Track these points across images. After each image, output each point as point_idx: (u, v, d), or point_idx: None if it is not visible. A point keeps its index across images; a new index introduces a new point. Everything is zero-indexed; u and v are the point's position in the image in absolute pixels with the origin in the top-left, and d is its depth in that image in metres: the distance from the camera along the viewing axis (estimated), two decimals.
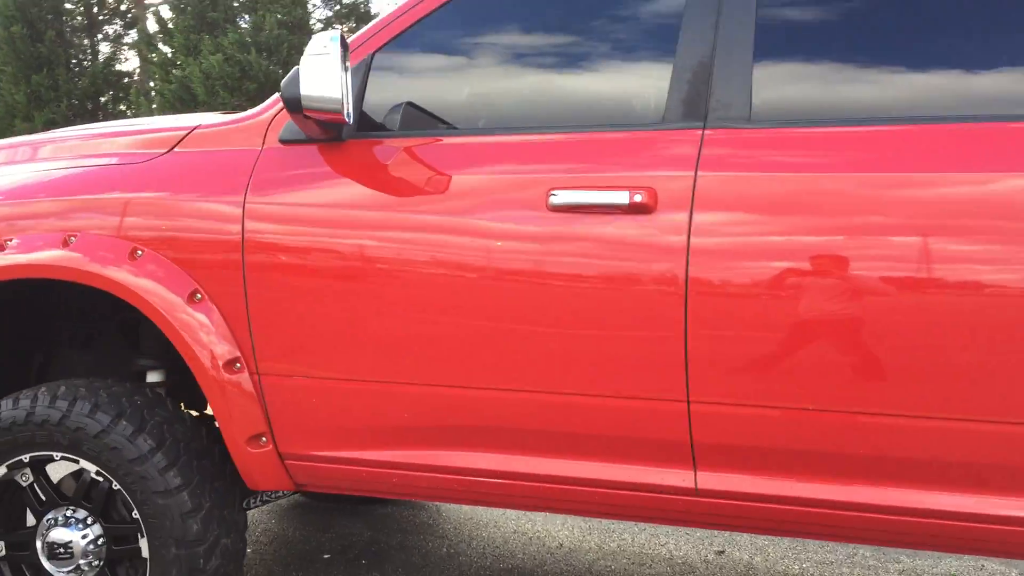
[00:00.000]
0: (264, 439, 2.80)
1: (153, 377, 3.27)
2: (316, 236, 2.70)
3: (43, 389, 2.89)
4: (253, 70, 14.48)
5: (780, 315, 2.36)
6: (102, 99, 18.09)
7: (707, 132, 2.46)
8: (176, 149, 2.90)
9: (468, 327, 2.58)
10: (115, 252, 2.82)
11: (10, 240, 2.91)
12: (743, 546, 4.21)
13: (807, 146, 2.41)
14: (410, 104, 2.80)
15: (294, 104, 2.49)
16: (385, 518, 4.53)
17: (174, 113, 14.77)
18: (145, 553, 2.85)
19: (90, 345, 3.47)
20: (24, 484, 2.96)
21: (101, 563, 2.93)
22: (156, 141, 2.96)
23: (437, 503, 4.61)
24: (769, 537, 4.28)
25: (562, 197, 2.51)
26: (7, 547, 3.00)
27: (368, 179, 2.70)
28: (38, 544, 2.96)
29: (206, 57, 14.59)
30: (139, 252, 2.80)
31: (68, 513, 2.96)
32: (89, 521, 2.93)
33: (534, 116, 2.75)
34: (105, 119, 18.07)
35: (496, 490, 2.66)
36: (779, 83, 2.53)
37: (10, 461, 2.92)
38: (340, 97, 2.46)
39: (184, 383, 3.37)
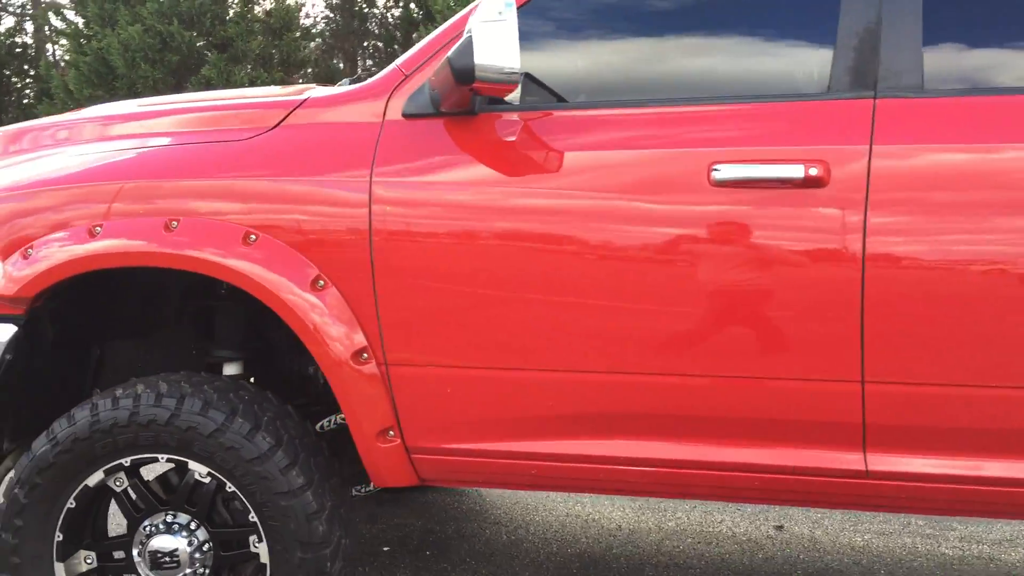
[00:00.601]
0: (392, 433, 2.64)
1: (231, 370, 3.06)
2: (451, 217, 2.54)
3: (142, 386, 2.66)
4: (175, 41, 13.88)
5: (963, 293, 2.31)
6: (6, 72, 17.11)
7: (878, 102, 2.39)
8: (284, 123, 2.69)
9: (622, 311, 2.47)
10: (226, 237, 2.61)
11: (98, 226, 2.66)
12: (799, 520, 4.22)
13: (986, 115, 2.35)
14: (528, 76, 2.66)
15: (466, 75, 2.32)
16: (429, 506, 4.39)
17: (91, 87, 14.08)
18: (265, 558, 2.67)
19: (152, 337, 3.23)
20: (118, 489, 2.73)
21: (207, 571, 2.73)
22: (259, 116, 2.75)
23: (481, 488, 4.48)
24: (824, 510, 4.29)
25: (726, 172, 2.40)
26: (98, 558, 2.77)
27: (505, 155, 2.56)
28: (135, 553, 2.74)
29: (124, 28, 13.93)
30: (252, 237, 2.60)
31: (168, 519, 2.74)
32: (193, 526, 2.72)
33: (685, 86, 2.62)
34: (10, 94, 17.11)
35: (644, 478, 2.57)
36: (952, 49, 2.46)
37: (109, 465, 2.69)
38: (518, 67, 2.31)
39: (263, 375, 3.17)
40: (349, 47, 18.23)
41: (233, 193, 2.64)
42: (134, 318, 3.17)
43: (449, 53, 2.37)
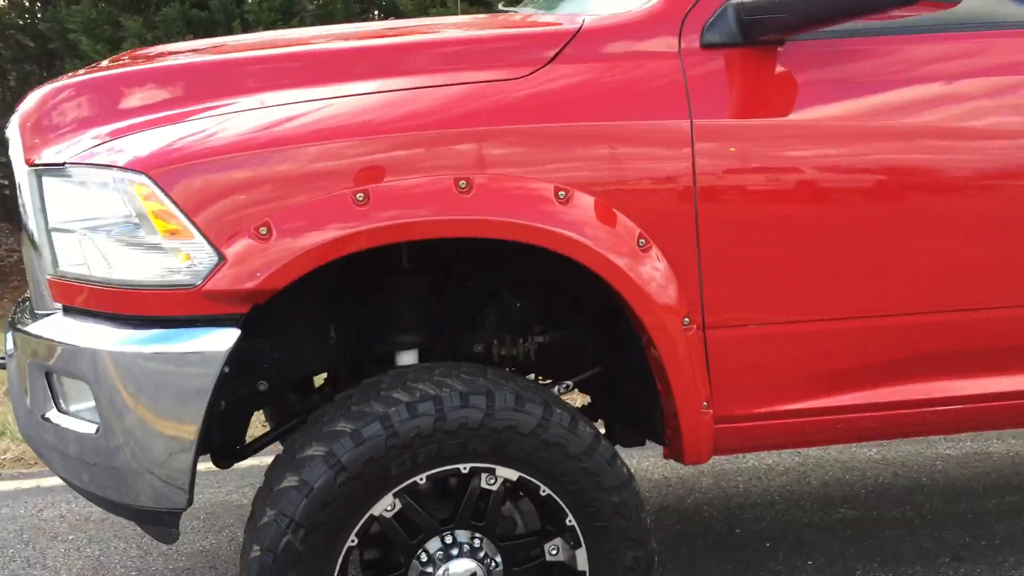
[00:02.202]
0: (706, 404, 2.40)
1: (408, 358, 2.61)
2: (783, 164, 2.33)
3: (429, 387, 2.19)
4: None
5: None
6: None
7: None
8: (562, 57, 2.30)
9: (955, 250, 2.41)
10: (533, 197, 2.20)
11: (362, 193, 2.13)
12: None
13: None
14: None
15: None
16: None
17: None
18: (582, 565, 2.33)
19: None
20: (389, 515, 2.24)
21: None
22: (527, 48, 2.33)
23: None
24: None
25: None
26: None
27: (833, 88, 2.37)
28: None
29: None
30: (562, 194, 2.21)
31: (448, 539, 2.30)
32: (477, 544, 2.31)
33: None
34: None
35: (950, 417, 2.55)
36: None
37: (400, 487, 2.19)
38: None
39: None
40: None
41: (528, 142, 2.22)
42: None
43: None
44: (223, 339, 2.12)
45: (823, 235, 2.34)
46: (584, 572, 2.34)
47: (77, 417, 2.27)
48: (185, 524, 3.55)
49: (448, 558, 2.28)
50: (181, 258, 2.13)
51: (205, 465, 4.03)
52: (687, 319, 2.31)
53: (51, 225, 2.28)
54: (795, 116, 2.34)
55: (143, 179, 2.10)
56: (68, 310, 2.30)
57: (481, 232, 2.17)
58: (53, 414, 2.31)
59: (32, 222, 2.32)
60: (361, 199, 2.11)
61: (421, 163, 2.16)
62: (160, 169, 2.10)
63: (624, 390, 2.64)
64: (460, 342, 2.70)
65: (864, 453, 4.40)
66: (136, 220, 2.13)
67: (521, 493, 2.35)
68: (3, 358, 2.57)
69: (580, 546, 2.32)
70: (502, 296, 2.69)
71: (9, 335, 2.41)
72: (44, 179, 2.28)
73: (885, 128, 2.36)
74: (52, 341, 2.23)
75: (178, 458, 2.16)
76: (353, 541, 2.18)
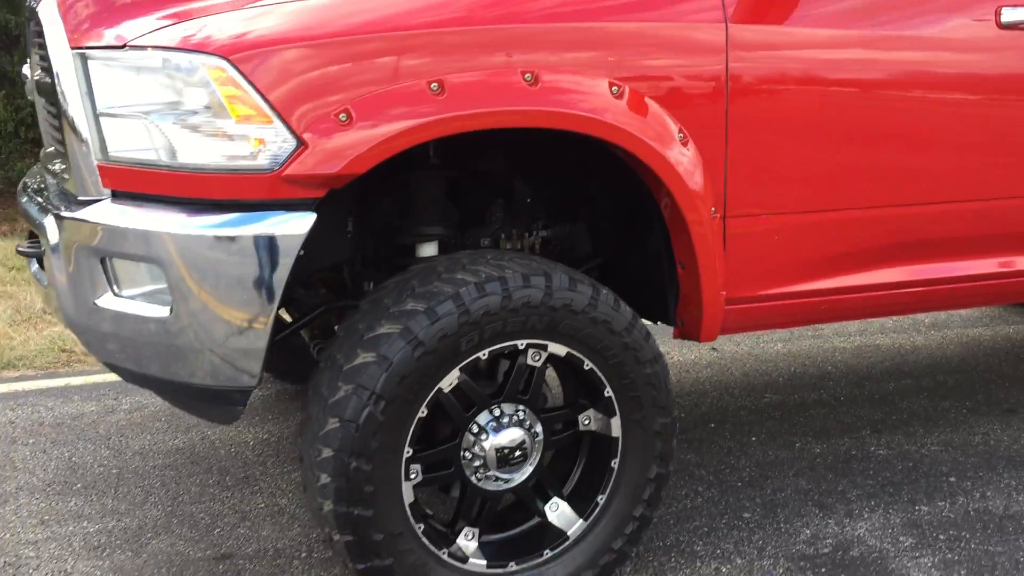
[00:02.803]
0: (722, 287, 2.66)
1: (428, 250, 2.75)
2: (802, 63, 2.58)
3: (491, 270, 2.35)
4: None
5: None
6: None
7: None
8: None
9: (938, 148, 2.75)
10: (594, 91, 2.37)
11: (436, 83, 2.24)
12: None
13: None
14: None
15: None
16: None
17: None
18: (616, 432, 2.56)
19: None
20: (447, 389, 2.40)
21: (540, 459, 2.55)
22: None
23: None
24: None
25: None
26: (424, 470, 2.43)
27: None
28: (468, 456, 2.46)
29: None
30: (615, 88, 2.39)
31: (496, 412, 2.49)
32: (521, 416, 2.51)
33: None
34: None
35: (913, 298, 2.92)
36: None
37: (466, 362, 2.35)
38: None
39: None
40: None
41: (588, 40, 2.38)
42: None
43: None
44: (302, 223, 2.19)
45: (833, 136, 2.62)
46: (617, 438, 2.56)
47: (140, 300, 2.28)
48: (148, 426, 3.58)
49: (499, 428, 2.46)
50: (254, 143, 2.17)
51: None
52: (714, 208, 2.54)
53: (100, 110, 2.26)
54: (817, 29, 2.57)
55: (222, 63, 2.13)
56: (120, 195, 2.29)
57: (544, 123, 2.32)
58: (108, 300, 2.31)
59: (74, 108, 2.30)
60: (436, 89, 2.21)
61: (488, 55, 2.27)
62: (241, 53, 2.13)
63: (632, 278, 2.85)
64: (468, 236, 2.84)
65: (772, 348, 4.83)
66: (209, 104, 2.16)
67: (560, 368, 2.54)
68: (30, 249, 2.53)
69: (615, 415, 2.54)
70: (514, 191, 2.84)
71: (50, 223, 2.37)
72: (92, 63, 2.26)
73: (895, 38, 2.64)
74: (117, 226, 2.23)
75: (255, 338, 2.23)
76: (423, 412, 2.33)
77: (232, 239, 2.16)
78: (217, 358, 2.24)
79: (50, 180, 2.66)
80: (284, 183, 2.17)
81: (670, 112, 2.44)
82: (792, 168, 2.61)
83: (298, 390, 4.08)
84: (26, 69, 2.88)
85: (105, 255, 2.28)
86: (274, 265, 2.18)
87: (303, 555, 2.85)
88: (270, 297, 2.20)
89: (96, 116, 2.27)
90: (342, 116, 2.16)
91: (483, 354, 2.36)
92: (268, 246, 2.17)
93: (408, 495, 2.35)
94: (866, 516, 3.12)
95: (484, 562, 2.49)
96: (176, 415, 3.86)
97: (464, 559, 2.46)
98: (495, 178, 2.82)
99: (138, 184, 2.27)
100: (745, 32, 2.48)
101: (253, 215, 2.18)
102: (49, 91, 2.43)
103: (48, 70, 2.41)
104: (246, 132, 2.16)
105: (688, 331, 2.70)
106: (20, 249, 2.58)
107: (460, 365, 2.33)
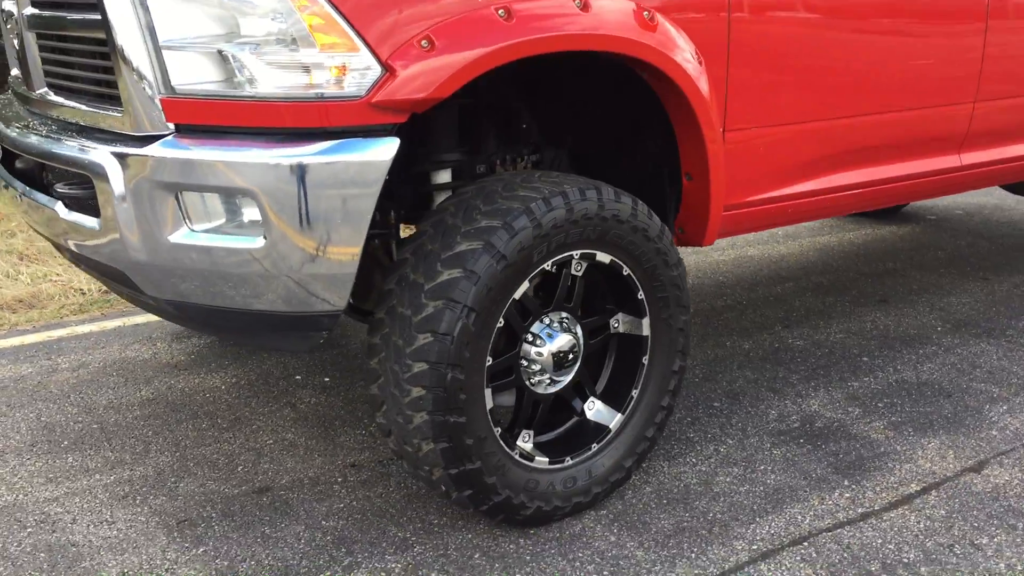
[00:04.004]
0: None
1: (444, 176, 2.92)
2: None
3: (552, 187, 2.54)
4: None
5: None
6: None
7: None
8: None
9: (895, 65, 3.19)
10: (632, 17, 2.59)
11: (503, 9, 2.39)
12: None
13: None
14: None
15: None
16: None
17: None
18: (646, 331, 2.82)
19: None
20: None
21: (580, 360, 2.79)
22: None
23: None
24: None
25: None
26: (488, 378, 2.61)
27: None
28: (525, 362, 2.66)
29: None
30: (647, 14, 2.63)
31: (546, 320, 2.71)
32: (567, 323, 2.74)
33: None
34: None
35: (883, 194, 3.38)
36: None
37: (534, 272, 2.53)
38: None
39: None
40: None
41: None
42: None
43: None
44: (389, 148, 2.28)
45: (820, 52, 2.97)
46: (647, 336, 2.82)
47: (224, 233, 2.30)
48: (103, 381, 3.52)
49: (552, 335, 2.66)
50: (336, 71, 2.23)
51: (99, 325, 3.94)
52: (720, 126, 2.83)
53: (162, 42, 2.25)
54: None
55: None
56: (185, 129, 2.29)
57: (596, 46, 2.50)
58: (184, 235, 2.30)
59: (130, 41, 2.26)
60: (503, 15, 2.35)
61: None
62: None
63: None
64: (464, 164, 2.99)
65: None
66: (293, 33, 2.19)
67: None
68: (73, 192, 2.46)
69: (645, 315, 2.80)
70: (510, 120, 3.00)
71: (107, 160, 2.31)
72: None
73: None
74: (200, 160, 2.23)
75: (348, 262, 2.31)
76: (501, 323, 2.49)
77: (330, 165, 2.22)
78: (312, 284, 2.30)
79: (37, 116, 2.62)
80: (372, 110, 2.25)
81: (691, 37, 2.68)
82: (777, 85, 2.93)
83: None
84: (7, 4, 2.73)
85: (181, 189, 2.27)
86: (369, 190, 2.26)
87: (340, 480, 2.95)
88: (363, 221, 2.28)
89: (158, 49, 2.24)
90: (423, 42, 2.26)
91: (547, 265, 2.53)
92: (364, 171, 2.25)
93: (489, 402, 2.51)
94: (812, 395, 3.55)
95: (547, 459, 2.69)
96: (127, 369, 3.77)
97: (531, 458, 2.65)
98: (498, 106, 2.97)
99: (208, 116, 2.27)
100: None
101: (347, 142, 2.24)
102: (47, 24, 2.37)
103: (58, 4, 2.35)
104: (330, 60, 2.21)
105: (690, 238, 2.98)
106: (60, 190, 2.48)
107: (529, 276, 2.50)
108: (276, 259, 2.26)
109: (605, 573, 2.50)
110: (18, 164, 2.95)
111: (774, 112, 2.97)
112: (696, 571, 2.51)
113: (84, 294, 4.73)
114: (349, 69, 2.22)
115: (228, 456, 3.09)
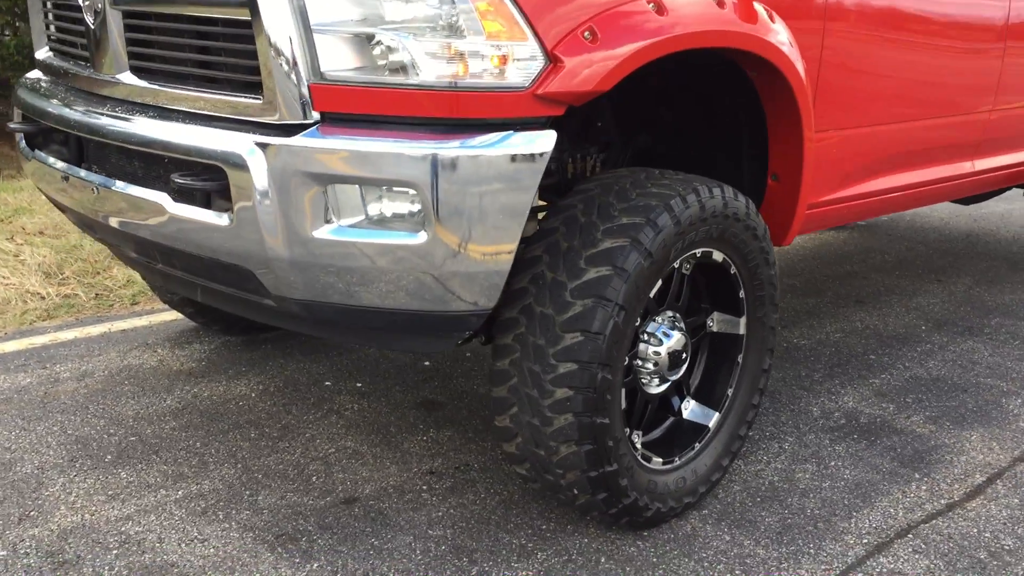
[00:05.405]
0: None
1: None
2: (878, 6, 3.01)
3: (682, 186, 2.53)
4: None
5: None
6: None
7: None
8: None
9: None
10: (760, 14, 2.61)
11: (652, 3, 2.36)
12: None
13: None
14: None
15: None
16: None
17: None
18: (742, 330, 2.85)
19: None
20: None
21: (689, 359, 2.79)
22: None
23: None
24: None
25: None
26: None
27: None
28: (639, 361, 2.64)
29: None
30: (768, 14, 2.65)
31: (658, 319, 2.70)
32: (677, 321, 2.73)
33: None
34: None
35: (923, 195, 3.53)
36: None
37: (666, 270, 2.51)
38: None
39: None
40: None
41: None
42: None
43: None
44: (550, 139, 2.21)
45: (898, 64, 3.09)
46: (743, 335, 2.83)
47: (377, 228, 2.17)
48: (116, 390, 3.29)
49: (668, 334, 2.64)
50: (499, 60, 2.15)
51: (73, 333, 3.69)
52: None
53: (315, 26, 2.11)
54: None
55: None
56: (332, 118, 2.16)
57: (731, 42, 2.49)
58: (333, 231, 2.16)
59: (277, 24, 2.11)
60: (655, 9, 2.32)
61: None
62: None
63: None
64: None
65: None
66: (460, 20, 2.10)
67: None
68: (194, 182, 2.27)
69: (743, 314, 2.81)
70: (599, 114, 2.97)
71: (255, 153, 2.14)
72: None
73: None
74: (360, 151, 2.10)
75: (503, 260, 2.22)
76: (638, 322, 2.45)
77: (498, 158, 2.13)
78: (467, 282, 2.21)
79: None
80: (536, 101, 2.18)
81: (797, 38, 2.72)
82: (855, 90, 3.01)
83: (243, 341, 3.87)
84: None
85: (333, 181, 2.14)
86: (531, 183, 2.19)
87: (425, 488, 2.83)
88: (523, 215, 2.20)
89: (309, 32, 2.10)
90: (586, 34, 2.21)
91: (676, 263, 2.51)
92: (529, 164, 2.17)
93: (623, 403, 2.47)
94: (842, 392, 3.65)
95: (660, 460, 2.66)
96: (138, 377, 3.52)
97: (649, 459, 2.62)
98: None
99: (359, 105, 2.15)
100: None
101: (514, 134, 2.16)
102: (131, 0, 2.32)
103: None
104: (496, 49, 2.13)
105: (774, 237, 3.01)
106: (179, 182, 2.27)
107: (663, 274, 2.47)
108: (436, 256, 2.15)
109: (737, 572, 2.49)
110: (52, 147, 2.74)
111: (850, 116, 3.05)
112: (822, 567, 2.54)
113: (43, 299, 4.38)
114: (513, 58, 2.14)
115: (295, 467, 2.92)
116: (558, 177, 2.87)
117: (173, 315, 4.07)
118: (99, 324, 4.07)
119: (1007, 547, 2.65)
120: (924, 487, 2.96)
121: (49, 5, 2.88)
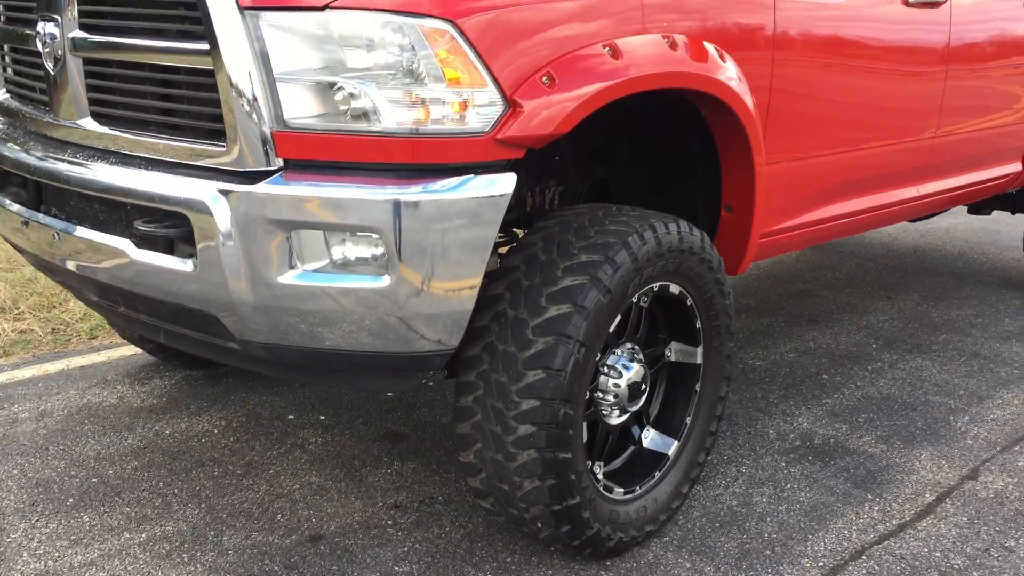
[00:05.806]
0: None
1: None
2: (832, 26, 3.09)
3: (639, 222, 2.59)
4: None
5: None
6: None
7: None
8: None
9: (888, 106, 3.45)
10: (710, 53, 2.68)
11: (607, 48, 2.42)
12: None
13: None
14: None
15: None
16: None
17: None
18: (699, 359, 2.91)
19: None
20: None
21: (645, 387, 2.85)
22: None
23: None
24: None
25: None
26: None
27: None
28: (600, 393, 2.69)
29: None
30: (719, 53, 2.72)
31: (618, 351, 2.75)
32: (635, 353, 2.79)
33: None
34: None
35: (871, 220, 3.63)
36: None
37: (624, 306, 2.57)
38: None
39: None
40: None
41: (693, 8, 2.67)
42: None
43: None
44: (509, 182, 2.26)
45: (845, 91, 3.17)
46: (700, 364, 2.90)
47: (338, 272, 2.20)
48: (75, 430, 3.29)
49: (627, 367, 2.70)
50: (457, 107, 2.20)
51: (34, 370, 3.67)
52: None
53: (277, 75, 2.15)
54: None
55: (445, 25, 2.13)
56: (294, 165, 2.19)
57: (683, 83, 2.56)
58: (295, 274, 2.20)
59: (242, 70, 2.14)
60: (610, 52, 2.38)
61: (661, 20, 2.48)
62: (466, 17, 2.14)
63: None
64: None
65: None
66: (419, 66, 2.14)
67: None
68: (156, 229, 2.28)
69: (699, 344, 2.88)
70: (557, 150, 3.03)
71: (218, 200, 2.17)
72: (270, 26, 2.13)
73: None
74: (323, 197, 2.13)
75: (466, 299, 2.27)
76: (598, 356, 2.51)
77: (459, 202, 2.18)
78: (431, 323, 2.25)
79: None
80: (496, 145, 2.22)
81: (743, 68, 2.79)
82: (804, 117, 3.09)
83: (204, 375, 3.87)
84: (51, 28, 2.50)
85: (296, 228, 2.17)
86: (491, 225, 2.23)
87: (390, 523, 2.86)
88: (484, 258, 2.25)
89: (272, 80, 2.14)
90: (544, 79, 2.26)
91: (634, 298, 2.57)
92: (489, 207, 2.22)
93: (584, 436, 2.52)
94: (796, 413, 3.74)
95: (622, 489, 2.72)
96: (98, 416, 3.50)
97: (610, 489, 2.67)
98: None
99: (321, 152, 2.18)
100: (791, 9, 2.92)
101: (474, 178, 2.21)
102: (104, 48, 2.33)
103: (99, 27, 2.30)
104: (456, 95, 2.17)
105: (728, 267, 3.08)
106: (142, 228, 2.29)
107: (621, 311, 2.53)
108: (399, 297, 2.19)
109: None
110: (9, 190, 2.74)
111: (801, 145, 3.14)
112: None
113: None
114: (473, 104, 2.19)
115: (260, 505, 2.93)
116: (518, 212, 2.92)
117: (132, 350, 4.05)
118: (57, 361, 4.04)
119: (956, 566, 2.74)
120: (876, 508, 3.04)
121: (6, 48, 2.87)
